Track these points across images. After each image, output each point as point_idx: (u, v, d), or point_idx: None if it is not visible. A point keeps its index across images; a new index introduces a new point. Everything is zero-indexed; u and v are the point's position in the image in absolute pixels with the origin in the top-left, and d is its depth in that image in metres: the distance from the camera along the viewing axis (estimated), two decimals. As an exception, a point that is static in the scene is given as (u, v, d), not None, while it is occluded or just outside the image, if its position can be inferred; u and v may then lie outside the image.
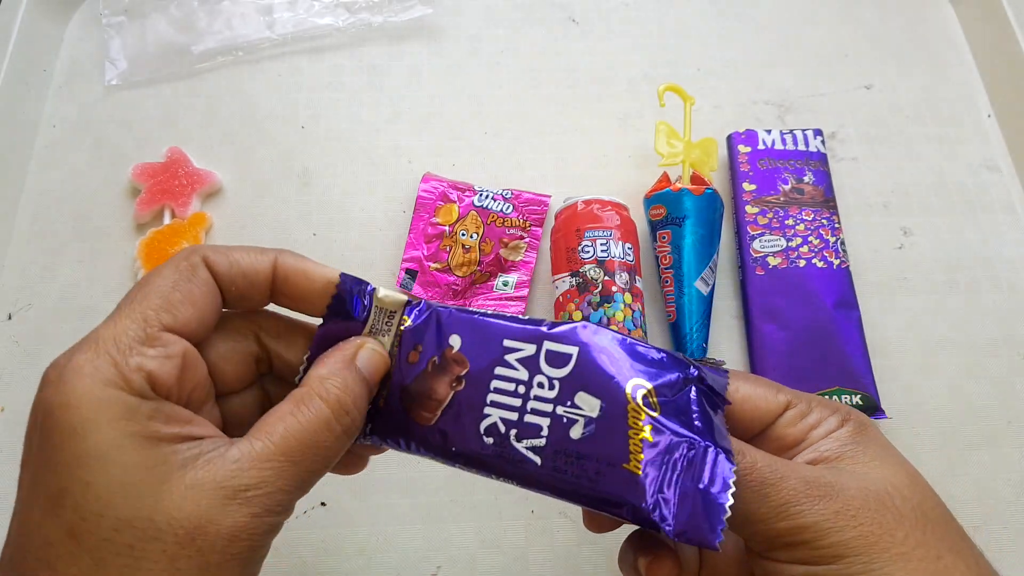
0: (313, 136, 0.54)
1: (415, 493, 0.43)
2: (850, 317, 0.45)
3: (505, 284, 0.48)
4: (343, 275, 0.27)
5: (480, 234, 0.48)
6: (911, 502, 0.25)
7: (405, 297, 0.28)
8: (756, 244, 0.48)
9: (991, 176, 0.53)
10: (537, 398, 0.26)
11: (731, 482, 0.23)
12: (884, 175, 0.53)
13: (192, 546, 0.21)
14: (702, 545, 0.23)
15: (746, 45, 0.58)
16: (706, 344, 0.45)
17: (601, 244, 0.44)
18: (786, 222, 0.48)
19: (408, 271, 0.48)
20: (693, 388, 0.25)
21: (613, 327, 0.42)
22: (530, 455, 0.25)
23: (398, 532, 0.42)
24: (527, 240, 0.49)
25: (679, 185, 0.46)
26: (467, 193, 0.50)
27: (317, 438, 0.24)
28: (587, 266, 0.43)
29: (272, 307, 0.28)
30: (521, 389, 0.26)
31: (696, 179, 0.48)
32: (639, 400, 0.24)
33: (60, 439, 0.21)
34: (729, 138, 0.52)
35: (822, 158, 0.50)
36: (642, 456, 0.24)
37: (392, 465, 0.44)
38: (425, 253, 0.48)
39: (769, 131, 0.51)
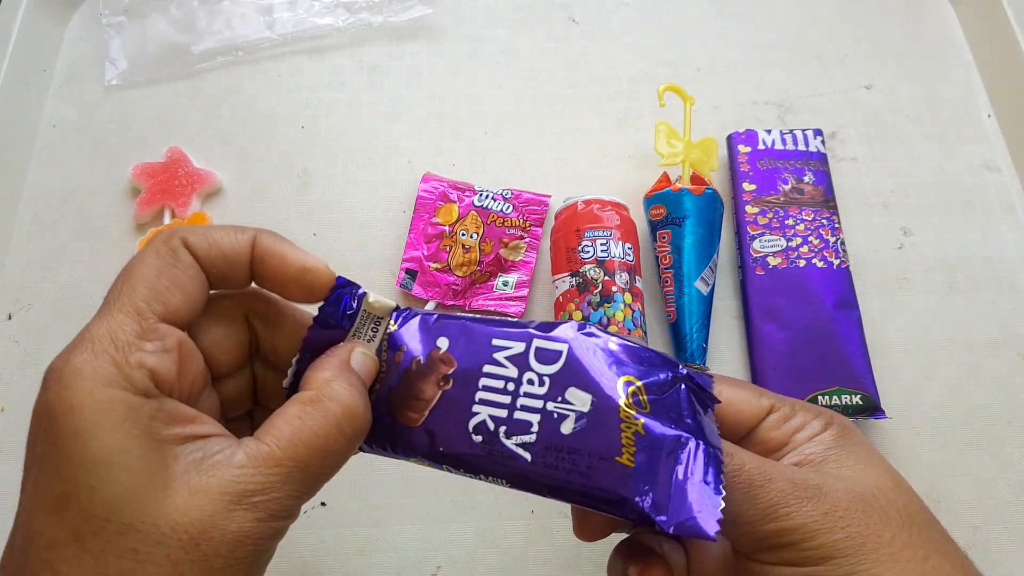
0: (313, 136, 0.54)
1: (415, 493, 0.43)
2: (850, 317, 0.45)
3: (505, 284, 0.48)
4: (339, 278, 0.27)
5: (480, 234, 0.48)
6: (896, 504, 0.25)
7: (393, 303, 0.28)
8: (756, 244, 0.48)
9: (991, 176, 0.53)
10: (527, 395, 0.26)
11: (723, 476, 0.24)
12: (884, 175, 0.53)
13: (196, 551, 0.21)
14: (699, 537, 0.23)
15: (746, 45, 0.58)
16: (706, 344, 0.45)
17: (601, 244, 0.44)
18: (786, 222, 0.48)
19: (408, 271, 0.48)
20: (683, 386, 0.25)
21: (613, 327, 0.42)
22: (520, 451, 0.25)
23: (398, 532, 0.42)
24: (527, 240, 0.49)
25: (679, 185, 0.46)
26: (467, 193, 0.50)
27: (327, 442, 0.23)
28: (587, 266, 0.43)
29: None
30: (511, 387, 0.26)
31: (696, 179, 0.48)
32: (630, 396, 0.25)
33: (64, 443, 0.21)
34: (729, 138, 0.52)
35: (822, 158, 0.50)
36: (634, 449, 0.24)
37: (392, 465, 0.43)
38: (425, 253, 0.48)
39: (769, 131, 0.51)
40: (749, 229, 0.48)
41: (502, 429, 0.25)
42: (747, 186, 0.50)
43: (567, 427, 0.25)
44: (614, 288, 0.43)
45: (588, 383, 0.25)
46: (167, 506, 0.21)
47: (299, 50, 0.58)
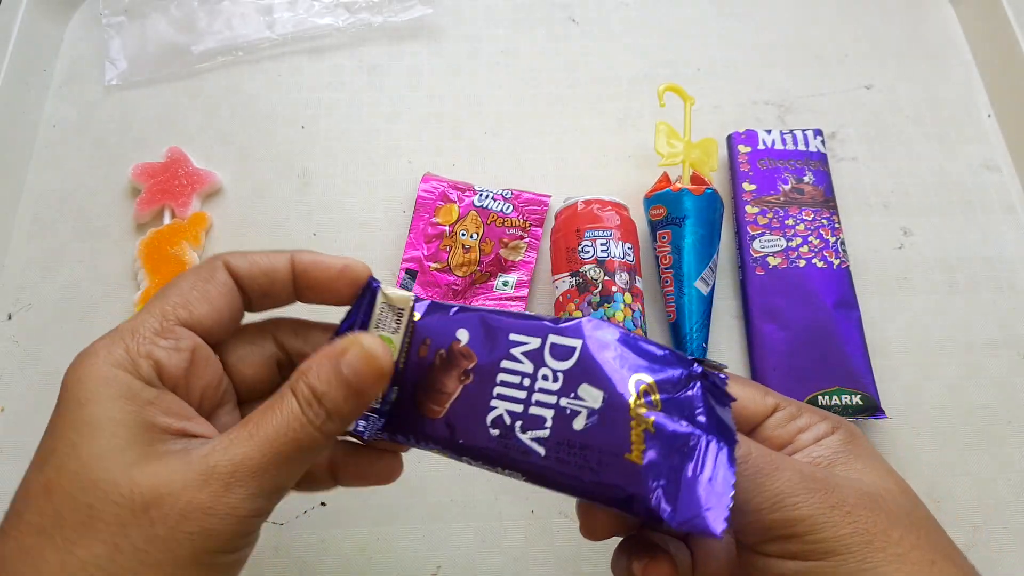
0: (313, 136, 0.54)
1: (415, 493, 0.43)
2: (850, 317, 0.45)
3: (505, 284, 0.48)
4: (372, 279, 0.28)
5: (480, 234, 0.48)
6: (904, 507, 0.25)
7: (412, 294, 0.28)
8: (756, 244, 0.48)
9: (991, 176, 0.53)
10: (542, 390, 0.26)
11: (734, 473, 0.23)
12: (884, 175, 0.53)
13: (145, 516, 0.21)
14: (705, 535, 0.23)
15: (746, 45, 0.58)
16: (706, 344, 0.45)
17: (601, 244, 0.44)
18: (786, 222, 0.48)
19: (408, 271, 0.48)
20: (697, 384, 0.25)
21: (613, 327, 0.42)
22: (534, 446, 0.25)
23: (398, 532, 0.42)
24: (527, 240, 0.49)
25: (679, 185, 0.46)
26: (467, 193, 0.50)
27: (287, 432, 0.23)
28: (587, 266, 0.43)
29: (295, 311, 0.29)
30: (526, 382, 0.26)
31: (696, 179, 0.48)
32: (641, 394, 0.25)
33: (65, 408, 0.23)
34: (729, 138, 0.52)
35: (822, 158, 0.50)
36: (644, 447, 0.24)
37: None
38: (425, 253, 0.48)
39: (769, 131, 0.51)
40: (749, 229, 0.48)
41: (518, 424, 0.26)
42: (747, 186, 0.50)
43: (579, 423, 0.25)
44: (614, 288, 0.43)
45: (600, 380, 0.25)
46: (133, 472, 0.22)
47: (299, 50, 0.58)
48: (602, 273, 0.43)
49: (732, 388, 0.28)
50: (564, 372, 0.26)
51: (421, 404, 0.28)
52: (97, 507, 0.21)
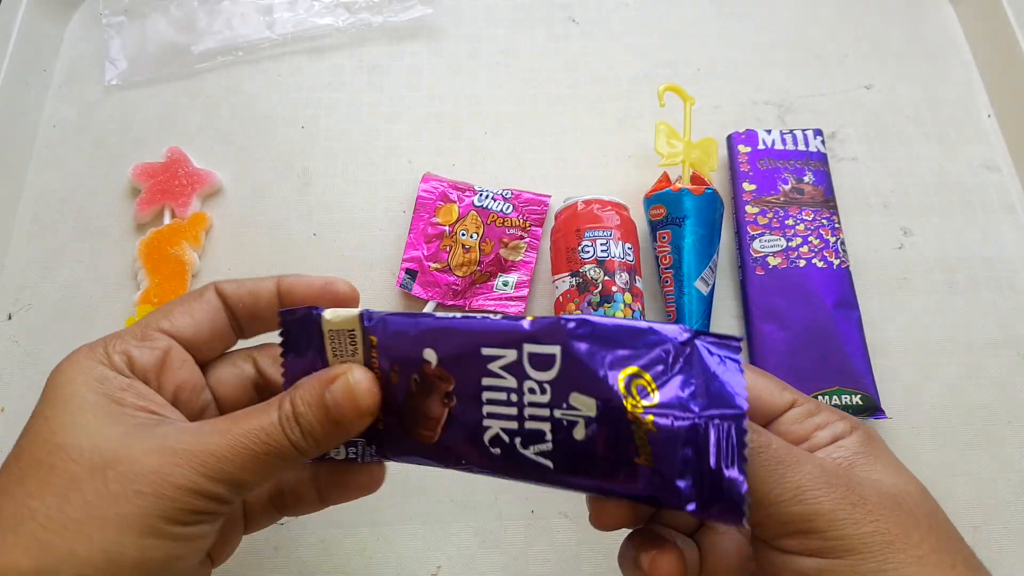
0: (313, 136, 0.54)
1: (415, 493, 0.43)
2: (850, 317, 0.45)
3: (505, 284, 0.48)
4: (280, 312, 0.27)
5: (480, 234, 0.48)
6: (924, 509, 0.25)
7: (356, 312, 0.26)
8: (756, 244, 0.48)
9: (991, 176, 0.53)
10: (532, 404, 0.24)
11: (745, 453, 0.23)
12: (884, 175, 0.53)
13: (100, 474, 0.23)
14: (728, 523, 0.23)
15: (746, 45, 0.58)
16: (706, 344, 0.45)
17: (601, 244, 0.44)
18: (786, 222, 0.48)
19: (408, 271, 0.48)
20: (690, 351, 0.24)
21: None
22: (542, 460, 0.24)
23: (398, 532, 0.42)
24: (527, 240, 0.49)
25: (679, 185, 0.46)
26: (467, 193, 0.50)
27: (258, 434, 0.25)
28: (587, 266, 0.43)
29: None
30: (514, 397, 0.25)
31: (696, 179, 0.48)
32: (634, 390, 0.23)
33: (45, 393, 0.25)
34: (729, 138, 0.52)
35: (822, 158, 0.50)
36: (649, 449, 0.23)
37: (392, 465, 0.44)
38: (425, 253, 0.48)
39: (769, 131, 0.51)
40: (749, 229, 0.48)
41: (517, 440, 0.25)
42: (747, 186, 0.50)
43: (579, 433, 0.24)
44: (614, 288, 0.43)
45: (588, 385, 0.24)
46: (96, 438, 0.23)
47: (299, 50, 0.58)
48: (602, 273, 0.43)
49: (750, 376, 0.27)
50: (550, 383, 0.24)
51: (411, 431, 0.26)
52: (58, 466, 0.23)
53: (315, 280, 0.29)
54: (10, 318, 0.48)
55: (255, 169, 0.53)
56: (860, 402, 0.43)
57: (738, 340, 0.25)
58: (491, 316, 0.25)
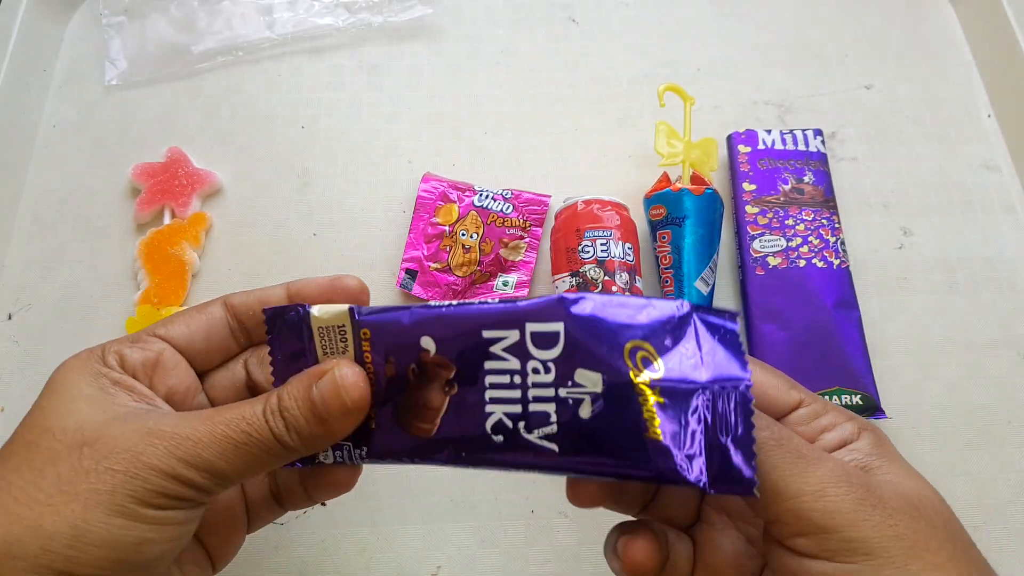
0: (313, 136, 0.54)
1: (415, 493, 0.43)
2: (850, 317, 0.45)
3: (505, 284, 0.48)
4: (265, 310, 0.27)
5: (480, 234, 0.48)
6: (943, 516, 0.24)
7: (344, 307, 0.26)
8: (756, 244, 0.48)
9: (991, 176, 0.53)
10: (536, 384, 0.24)
11: (752, 419, 0.23)
12: (884, 175, 0.53)
13: (78, 451, 0.23)
14: (739, 493, 0.23)
15: (746, 45, 0.58)
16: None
17: (601, 244, 0.44)
18: (786, 222, 0.48)
19: (408, 271, 0.48)
20: (689, 325, 0.24)
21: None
22: (545, 444, 0.24)
23: (398, 532, 0.42)
24: (527, 240, 0.49)
25: (679, 185, 0.46)
26: (467, 193, 0.50)
27: (239, 423, 0.25)
28: (587, 266, 0.43)
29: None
30: (517, 379, 0.24)
31: (696, 179, 0.48)
32: (639, 361, 0.23)
33: (44, 388, 0.26)
34: (729, 138, 0.52)
35: (822, 158, 0.50)
36: (658, 421, 0.23)
37: (392, 465, 0.44)
38: (425, 253, 0.48)
39: (769, 131, 0.51)
40: (749, 229, 0.48)
41: (521, 424, 0.24)
42: (747, 186, 0.50)
43: (585, 411, 0.24)
44: (614, 288, 0.43)
45: (594, 360, 0.24)
46: (82, 420, 0.24)
47: (299, 50, 0.58)
48: (602, 273, 0.43)
49: (758, 372, 0.27)
50: (554, 360, 0.24)
51: (407, 425, 0.26)
52: (42, 445, 0.24)
53: (322, 279, 0.29)
54: (10, 318, 0.48)
55: (255, 169, 0.53)
56: (860, 402, 0.43)
57: (735, 313, 0.25)
58: (487, 302, 0.25)
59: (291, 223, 0.51)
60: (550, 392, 0.24)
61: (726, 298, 0.49)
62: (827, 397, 0.43)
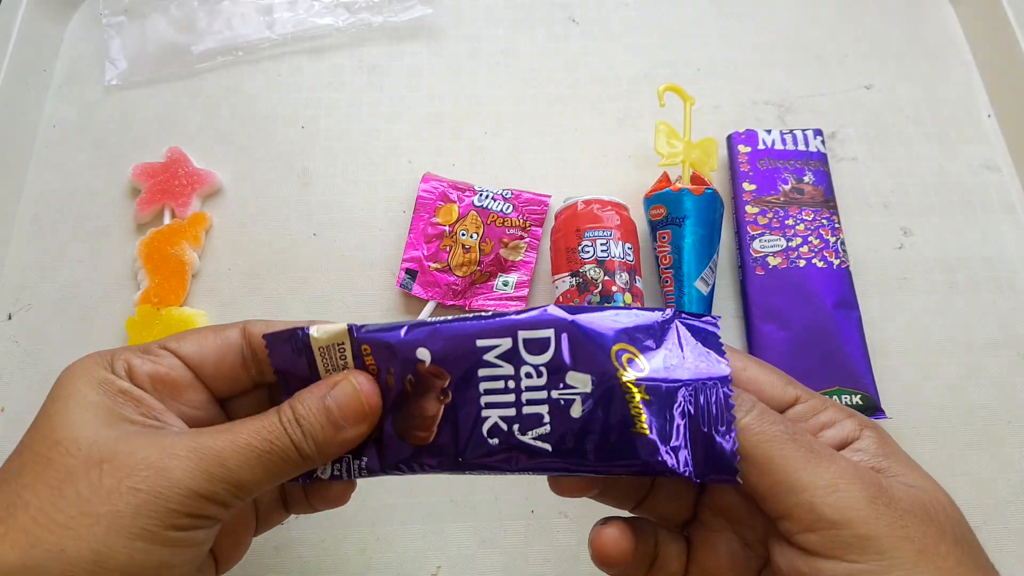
0: (313, 136, 0.54)
1: (415, 493, 0.43)
2: (850, 317, 0.45)
3: (505, 284, 0.48)
4: (265, 336, 0.27)
5: (480, 234, 0.48)
6: (953, 520, 0.24)
7: (343, 326, 0.27)
8: (756, 244, 0.48)
9: (991, 176, 0.53)
10: (529, 388, 0.26)
11: (733, 412, 0.24)
12: (884, 175, 0.53)
13: (96, 469, 0.23)
14: (724, 481, 0.24)
15: (746, 45, 0.58)
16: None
17: (601, 244, 0.44)
18: (786, 222, 0.48)
19: (408, 271, 0.48)
20: (672, 328, 0.26)
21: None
22: (539, 444, 0.25)
23: (398, 532, 0.42)
24: (527, 240, 0.49)
25: (679, 185, 0.46)
26: (467, 193, 0.50)
27: (259, 433, 0.25)
28: (587, 266, 0.43)
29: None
30: (511, 384, 0.26)
31: (696, 179, 0.48)
32: (625, 362, 0.25)
33: (50, 393, 0.25)
34: (729, 138, 0.52)
35: (822, 158, 0.50)
36: (644, 417, 0.25)
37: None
38: (425, 253, 0.48)
39: (769, 131, 0.51)
40: (749, 229, 0.48)
41: (515, 427, 0.26)
42: (747, 186, 0.50)
43: (576, 411, 0.25)
44: (614, 288, 0.43)
45: (583, 363, 0.25)
46: (96, 435, 0.24)
47: (299, 50, 0.58)
48: (602, 273, 0.43)
49: (752, 367, 0.27)
50: (546, 365, 0.26)
51: (405, 434, 0.27)
52: (55, 459, 0.23)
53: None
54: (10, 318, 0.48)
55: (255, 169, 0.53)
56: (860, 402, 0.43)
57: (716, 317, 0.27)
58: (481, 316, 0.27)
59: (291, 223, 0.51)
60: (543, 395, 0.26)
61: (726, 298, 0.49)
62: (827, 397, 0.43)
